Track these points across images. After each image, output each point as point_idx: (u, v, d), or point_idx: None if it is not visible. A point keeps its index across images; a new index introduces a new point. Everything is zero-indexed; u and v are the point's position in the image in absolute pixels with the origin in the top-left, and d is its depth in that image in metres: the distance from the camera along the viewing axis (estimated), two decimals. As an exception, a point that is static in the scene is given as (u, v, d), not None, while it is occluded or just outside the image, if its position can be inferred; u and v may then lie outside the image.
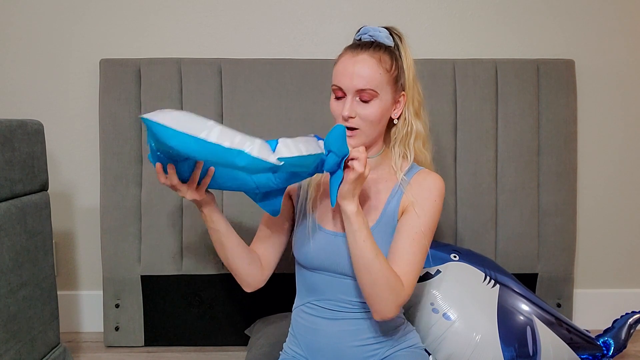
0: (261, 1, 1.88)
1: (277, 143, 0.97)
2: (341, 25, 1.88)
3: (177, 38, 1.87)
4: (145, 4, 1.86)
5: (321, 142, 1.07)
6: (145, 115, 0.92)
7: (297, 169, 1.01)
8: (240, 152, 0.91)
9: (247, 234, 1.28)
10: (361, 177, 1.04)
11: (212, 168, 1.06)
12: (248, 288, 1.24)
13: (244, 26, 1.88)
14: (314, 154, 1.01)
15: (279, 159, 0.94)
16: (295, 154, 0.97)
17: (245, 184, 1.07)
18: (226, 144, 0.91)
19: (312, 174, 1.10)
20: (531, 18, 1.91)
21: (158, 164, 1.03)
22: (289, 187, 1.25)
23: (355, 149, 1.05)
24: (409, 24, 1.90)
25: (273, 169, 0.96)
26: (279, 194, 1.14)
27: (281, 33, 1.89)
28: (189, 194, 1.07)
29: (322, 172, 1.08)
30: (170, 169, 1.03)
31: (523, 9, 1.91)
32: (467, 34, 1.91)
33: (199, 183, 1.08)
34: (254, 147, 0.92)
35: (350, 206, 1.06)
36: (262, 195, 1.13)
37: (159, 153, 1.02)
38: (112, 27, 1.87)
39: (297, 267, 1.25)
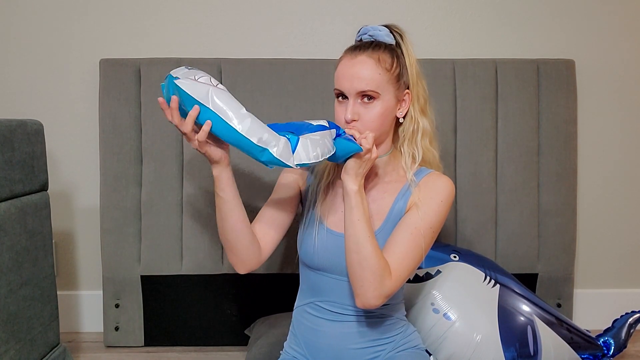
0: (261, 1, 1.88)
1: (297, 143, 1.00)
2: (341, 25, 1.88)
3: (177, 38, 1.87)
4: (145, 4, 1.86)
5: (333, 131, 1.07)
6: (178, 83, 0.96)
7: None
8: (264, 150, 0.97)
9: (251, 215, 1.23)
10: (368, 154, 1.05)
11: (209, 122, 0.98)
12: (242, 269, 1.18)
13: (244, 26, 1.88)
14: (328, 157, 1.04)
15: (297, 164, 0.99)
16: (312, 160, 1.01)
17: (248, 153, 1.03)
18: (254, 139, 0.97)
19: None
20: (531, 18, 1.91)
21: (162, 99, 1.01)
22: (298, 179, 1.25)
23: (365, 132, 1.06)
24: (409, 24, 1.88)
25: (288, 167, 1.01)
26: None
27: (281, 33, 1.89)
28: (193, 142, 1.01)
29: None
30: (173, 103, 0.99)
31: (523, 9, 1.91)
32: (467, 34, 1.91)
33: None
34: (277, 148, 0.98)
35: (351, 184, 1.06)
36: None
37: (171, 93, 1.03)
38: (112, 27, 1.87)
39: (301, 266, 1.24)
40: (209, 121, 0.98)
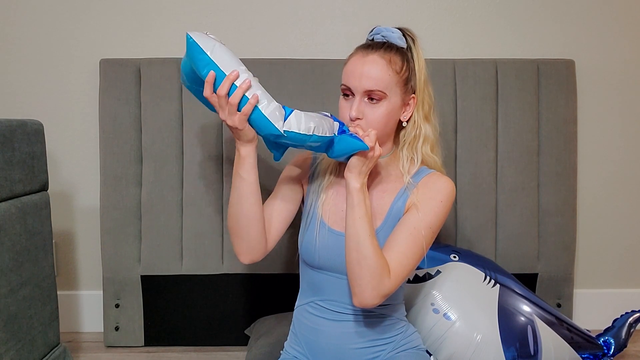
0: (261, 1, 1.88)
1: (291, 113, 1.01)
2: (341, 26, 1.88)
3: (177, 38, 1.87)
4: (145, 4, 1.86)
5: (336, 125, 1.08)
6: (193, 36, 0.99)
7: (299, 143, 1.04)
8: (255, 107, 0.99)
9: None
10: (371, 152, 1.05)
11: (256, 95, 0.99)
12: (246, 258, 1.17)
13: (244, 26, 1.88)
14: (321, 136, 1.04)
15: (285, 131, 1.00)
16: (303, 131, 1.01)
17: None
18: (247, 93, 0.98)
19: (317, 150, 1.11)
20: (531, 18, 1.91)
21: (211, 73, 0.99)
22: (301, 175, 1.25)
23: (368, 130, 1.07)
24: (409, 24, 1.88)
25: (277, 135, 1.01)
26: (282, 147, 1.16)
27: (281, 33, 1.89)
28: (230, 118, 1.00)
29: (331, 153, 1.10)
30: (209, 78, 0.99)
31: (523, 9, 1.91)
32: (467, 34, 1.91)
33: (239, 109, 1.00)
34: (268, 108, 0.99)
35: (354, 181, 1.07)
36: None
37: (189, 84, 1.10)
38: (112, 27, 1.87)
39: (301, 266, 1.24)
40: (255, 94, 0.99)
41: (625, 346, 1.62)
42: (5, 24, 1.85)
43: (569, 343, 1.50)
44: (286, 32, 1.89)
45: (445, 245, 1.71)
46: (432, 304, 1.47)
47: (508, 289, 1.52)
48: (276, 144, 1.14)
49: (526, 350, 1.43)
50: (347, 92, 1.13)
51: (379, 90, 1.09)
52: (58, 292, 1.57)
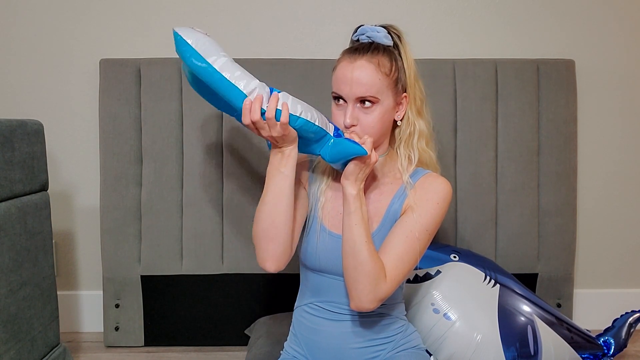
0: (261, 1, 1.88)
1: (277, 92, 1.01)
2: (341, 25, 1.88)
3: (177, 38, 1.87)
4: (145, 4, 1.86)
5: (331, 126, 1.07)
6: (178, 30, 1.01)
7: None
8: (235, 87, 0.99)
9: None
10: (368, 159, 1.05)
11: (286, 104, 1.01)
12: (273, 264, 1.12)
13: (244, 26, 1.88)
14: (309, 121, 1.03)
15: (262, 109, 1.00)
16: (290, 111, 1.01)
17: (220, 90, 1.04)
18: (226, 74, 0.99)
19: (310, 146, 1.10)
20: (531, 18, 1.91)
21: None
22: (302, 179, 1.23)
23: (364, 137, 1.06)
24: (409, 24, 1.89)
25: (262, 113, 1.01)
26: None
27: (281, 33, 1.89)
28: (274, 130, 1.01)
29: (322, 152, 1.09)
30: (255, 102, 1.00)
31: (523, 9, 1.91)
32: (467, 34, 1.91)
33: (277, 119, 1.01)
34: (248, 88, 0.99)
35: (350, 188, 1.06)
36: None
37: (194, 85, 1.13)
38: (112, 27, 1.87)
39: (301, 268, 1.24)
40: (285, 103, 1.00)
41: (625, 346, 1.62)
42: (5, 24, 1.85)
43: (569, 343, 1.50)
44: (286, 32, 1.89)
45: (445, 245, 1.71)
46: (432, 304, 1.47)
47: (508, 289, 1.52)
48: None
49: (526, 350, 1.43)
50: (339, 100, 1.12)
51: (370, 96, 1.08)
52: (58, 292, 1.57)
